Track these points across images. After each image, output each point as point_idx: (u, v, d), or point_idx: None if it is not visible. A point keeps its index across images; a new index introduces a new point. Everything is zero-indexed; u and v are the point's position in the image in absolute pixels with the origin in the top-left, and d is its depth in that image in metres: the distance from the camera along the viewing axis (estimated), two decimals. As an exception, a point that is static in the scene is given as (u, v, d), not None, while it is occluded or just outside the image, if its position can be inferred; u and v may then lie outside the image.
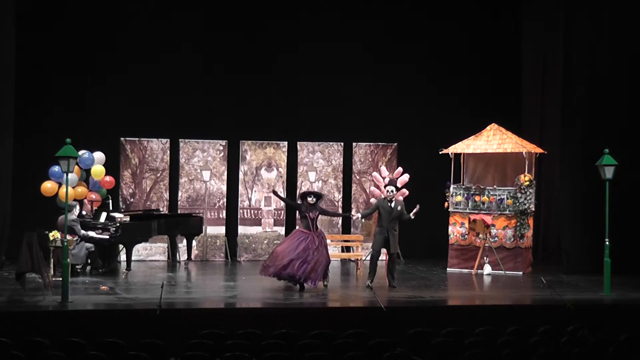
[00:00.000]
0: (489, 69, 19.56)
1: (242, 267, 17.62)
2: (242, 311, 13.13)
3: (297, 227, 15.43)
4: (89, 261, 15.72)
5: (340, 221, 19.01)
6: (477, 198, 17.12)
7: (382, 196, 15.27)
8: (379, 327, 11.47)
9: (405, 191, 18.22)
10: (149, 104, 18.44)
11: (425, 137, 19.05)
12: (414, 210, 14.55)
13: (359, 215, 15.83)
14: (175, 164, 18.50)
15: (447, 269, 17.20)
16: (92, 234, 15.59)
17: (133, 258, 16.20)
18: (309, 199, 14.65)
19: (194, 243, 17.72)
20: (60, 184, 15.87)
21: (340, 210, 18.90)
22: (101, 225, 15.85)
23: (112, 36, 18.17)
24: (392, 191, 14.78)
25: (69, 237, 13.45)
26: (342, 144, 19.26)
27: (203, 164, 18.53)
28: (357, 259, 16.68)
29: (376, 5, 19.37)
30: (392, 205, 14.68)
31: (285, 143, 19.01)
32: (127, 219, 16.04)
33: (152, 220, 16.33)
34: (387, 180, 16.81)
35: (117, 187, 17.80)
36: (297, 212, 15.31)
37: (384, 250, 15.20)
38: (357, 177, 19.22)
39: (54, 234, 13.88)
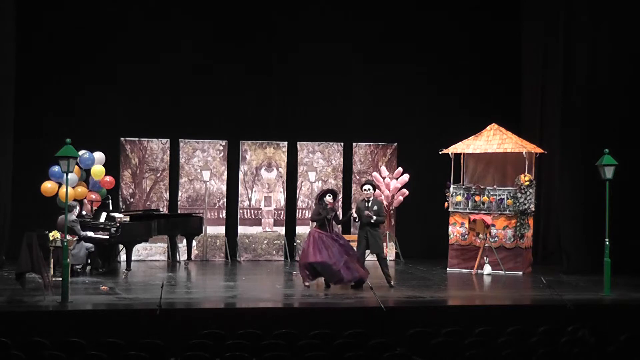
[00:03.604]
0: (489, 69, 19.54)
1: (242, 267, 17.62)
2: (242, 311, 13.11)
3: (313, 229, 14.84)
4: (89, 261, 15.72)
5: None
6: (477, 198, 17.11)
7: (360, 197, 15.24)
8: (379, 327, 11.47)
9: (405, 191, 18.26)
10: (149, 104, 18.45)
11: (425, 137, 19.05)
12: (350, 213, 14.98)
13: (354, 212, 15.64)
14: (175, 164, 18.49)
15: (447, 269, 17.18)
16: (91, 234, 15.59)
17: (133, 258, 16.21)
18: (328, 198, 14.56)
19: (194, 243, 17.72)
20: (60, 184, 15.86)
21: (340, 212, 18.86)
22: (101, 225, 15.85)
23: (111, 36, 18.16)
24: (368, 190, 14.80)
25: (69, 237, 13.44)
26: (342, 144, 19.24)
27: (203, 164, 18.51)
28: (357, 259, 16.64)
29: (376, 5, 19.34)
30: (369, 204, 14.69)
31: (285, 143, 19.00)
32: (127, 219, 16.04)
33: (152, 220, 16.33)
34: (364, 179, 16.63)
35: (117, 187, 17.79)
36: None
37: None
38: (357, 177, 19.20)
39: (54, 234, 13.87)
